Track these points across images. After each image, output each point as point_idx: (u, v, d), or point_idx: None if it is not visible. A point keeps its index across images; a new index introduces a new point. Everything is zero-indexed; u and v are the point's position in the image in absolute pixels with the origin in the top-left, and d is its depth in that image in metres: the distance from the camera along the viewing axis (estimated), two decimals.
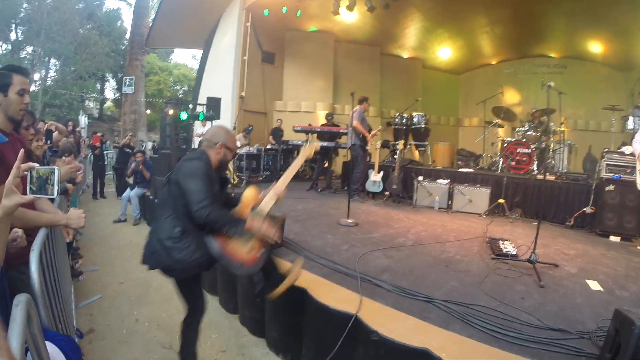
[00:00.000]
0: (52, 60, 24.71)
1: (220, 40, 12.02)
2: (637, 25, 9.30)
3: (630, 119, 6.95)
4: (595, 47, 11.20)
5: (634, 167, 5.19)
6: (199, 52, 15.22)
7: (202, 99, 11.05)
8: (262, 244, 2.43)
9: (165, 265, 2.31)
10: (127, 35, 23.93)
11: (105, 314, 3.78)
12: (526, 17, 10.69)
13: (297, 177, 10.10)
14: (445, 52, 13.26)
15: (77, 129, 11.01)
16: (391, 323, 2.51)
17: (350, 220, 5.10)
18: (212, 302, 3.59)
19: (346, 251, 3.89)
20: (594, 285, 3.62)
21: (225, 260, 2.27)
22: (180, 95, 30.03)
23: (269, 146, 10.72)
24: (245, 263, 2.33)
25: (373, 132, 7.17)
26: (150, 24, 16.73)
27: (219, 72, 11.57)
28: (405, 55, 13.71)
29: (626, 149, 6.08)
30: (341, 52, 12.65)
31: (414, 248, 4.24)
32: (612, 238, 5.67)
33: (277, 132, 11.25)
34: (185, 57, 39.55)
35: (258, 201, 2.57)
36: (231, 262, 2.29)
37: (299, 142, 9.13)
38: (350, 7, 9.58)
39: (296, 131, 8.70)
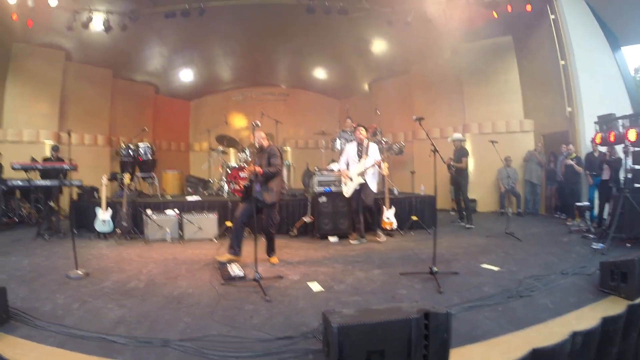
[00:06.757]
0: None
1: None
2: (351, 61, 11.73)
3: (338, 140, 8.48)
4: (316, 78, 13.67)
5: (341, 180, 6.30)
6: None
7: None
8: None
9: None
10: None
11: None
12: (257, 51, 11.98)
13: (22, 223, 8.15)
14: (178, 78, 13.15)
15: None
16: None
17: (79, 272, 4.45)
18: None
19: (78, 310, 3.41)
20: (315, 286, 4.09)
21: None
22: None
23: None
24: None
25: None
26: None
27: None
28: (138, 79, 12.87)
29: (334, 166, 7.37)
30: (71, 72, 10.78)
31: (146, 290, 3.96)
32: (331, 239, 6.74)
33: None
34: None
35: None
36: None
37: (19, 183, 7.21)
38: (85, 25, 8.91)
39: (15, 169, 7.03)
